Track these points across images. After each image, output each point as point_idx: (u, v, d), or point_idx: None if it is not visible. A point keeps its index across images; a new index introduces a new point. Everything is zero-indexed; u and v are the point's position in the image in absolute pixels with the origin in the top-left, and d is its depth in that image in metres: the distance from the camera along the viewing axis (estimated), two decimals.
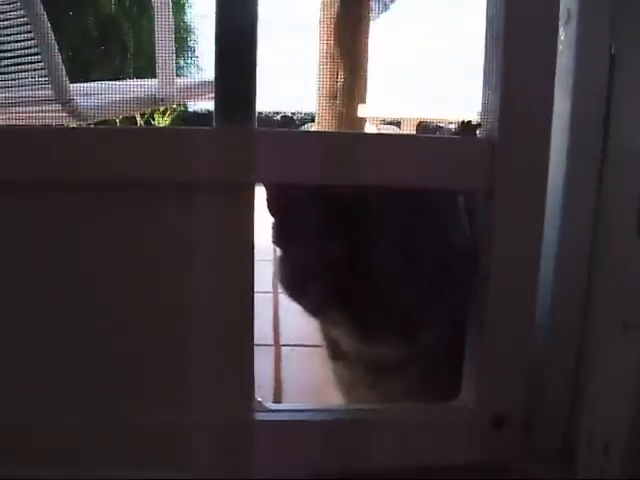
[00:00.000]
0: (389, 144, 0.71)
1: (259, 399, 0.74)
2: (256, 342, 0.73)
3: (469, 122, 0.78)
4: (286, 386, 1.48)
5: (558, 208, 0.74)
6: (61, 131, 0.73)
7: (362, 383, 0.90)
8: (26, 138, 0.68)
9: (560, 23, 0.71)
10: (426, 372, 0.85)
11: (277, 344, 1.71)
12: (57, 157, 0.67)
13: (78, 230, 0.70)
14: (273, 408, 0.76)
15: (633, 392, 0.66)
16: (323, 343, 0.93)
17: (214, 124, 0.69)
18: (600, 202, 0.73)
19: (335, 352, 0.90)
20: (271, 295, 2.04)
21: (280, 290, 2.17)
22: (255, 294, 0.71)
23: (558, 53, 0.70)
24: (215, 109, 0.69)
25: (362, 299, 0.75)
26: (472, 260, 0.77)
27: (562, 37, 0.73)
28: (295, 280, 0.81)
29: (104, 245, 0.70)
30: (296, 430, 0.74)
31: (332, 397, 1.00)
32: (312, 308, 0.81)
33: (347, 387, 0.93)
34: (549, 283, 0.76)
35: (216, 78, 0.68)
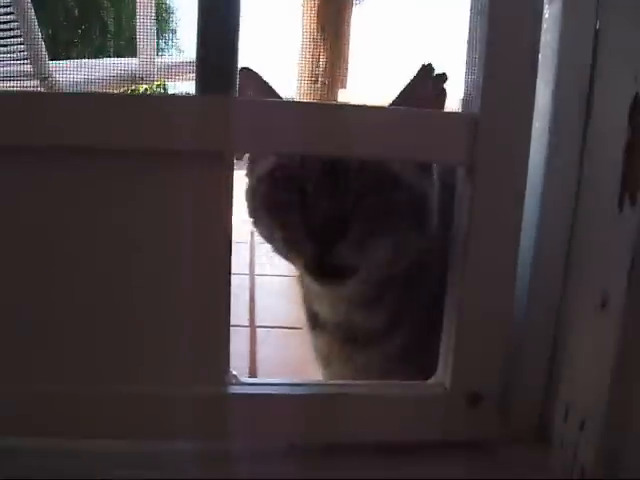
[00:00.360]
0: (371, 115, 0.70)
1: (234, 373, 0.74)
2: (233, 323, 0.73)
3: (429, 65, 0.78)
4: (262, 367, 1.49)
5: (539, 184, 0.74)
6: (44, 96, 0.72)
7: (340, 355, 0.90)
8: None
9: (545, 1, 0.71)
10: (404, 346, 0.86)
11: (252, 325, 1.72)
12: (40, 122, 0.66)
13: (61, 196, 0.69)
14: (247, 382, 0.75)
15: (610, 369, 0.66)
16: (304, 316, 0.94)
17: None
18: (581, 177, 0.73)
19: (315, 323, 0.91)
20: (248, 277, 2.04)
21: (256, 273, 2.18)
22: (233, 276, 0.71)
23: (542, 31, 0.70)
24: (196, 80, 0.69)
25: (295, 221, 0.80)
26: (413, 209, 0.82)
27: (546, 15, 0.73)
28: (250, 204, 0.87)
29: (87, 213, 0.69)
30: (269, 403, 0.74)
31: (309, 377, 1.00)
32: (262, 231, 0.87)
33: (325, 359, 0.94)
34: (528, 261, 0.76)
35: (198, 49, 0.68)
